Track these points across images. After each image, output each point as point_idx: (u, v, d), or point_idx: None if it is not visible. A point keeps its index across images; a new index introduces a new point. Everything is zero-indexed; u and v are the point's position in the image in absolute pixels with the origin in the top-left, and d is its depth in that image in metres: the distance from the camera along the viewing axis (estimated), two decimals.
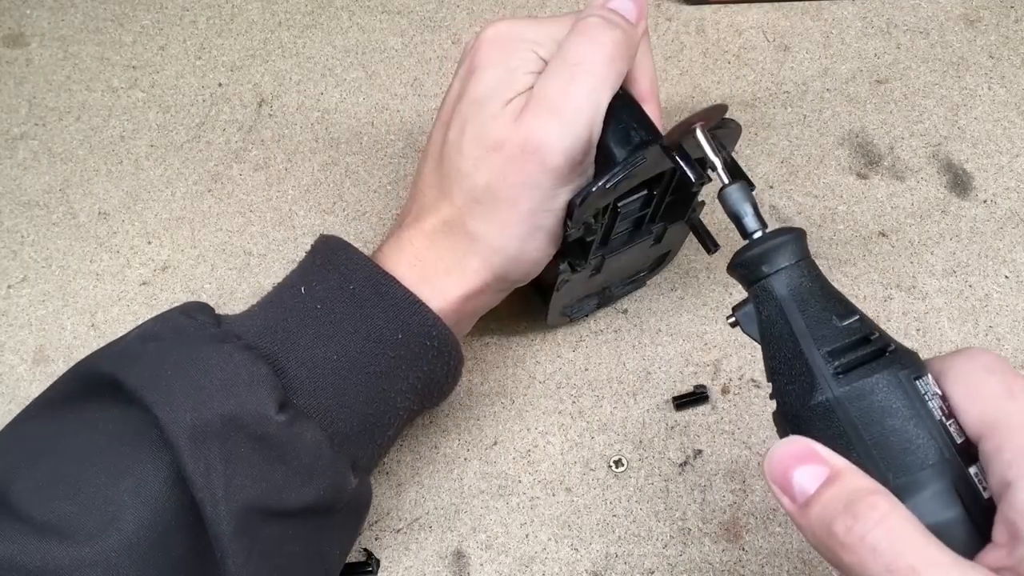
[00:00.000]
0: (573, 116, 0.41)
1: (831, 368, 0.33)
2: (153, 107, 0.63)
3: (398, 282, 0.42)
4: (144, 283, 0.57)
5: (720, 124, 0.43)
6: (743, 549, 0.48)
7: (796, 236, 0.35)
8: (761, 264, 0.35)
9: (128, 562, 0.36)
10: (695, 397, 0.52)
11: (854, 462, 0.32)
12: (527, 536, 0.49)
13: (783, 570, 0.48)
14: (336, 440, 0.41)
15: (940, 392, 0.33)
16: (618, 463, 0.50)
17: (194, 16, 0.66)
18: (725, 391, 0.52)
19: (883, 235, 0.57)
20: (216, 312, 0.44)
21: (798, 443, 0.32)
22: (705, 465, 0.50)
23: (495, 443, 0.51)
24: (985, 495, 0.32)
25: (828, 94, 0.62)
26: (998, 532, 0.30)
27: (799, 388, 0.34)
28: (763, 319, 0.36)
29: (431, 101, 0.63)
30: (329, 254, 0.44)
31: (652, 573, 0.48)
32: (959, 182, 0.59)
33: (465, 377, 0.53)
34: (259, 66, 0.64)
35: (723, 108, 0.41)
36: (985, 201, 0.58)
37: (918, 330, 0.54)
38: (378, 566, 0.48)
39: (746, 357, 0.53)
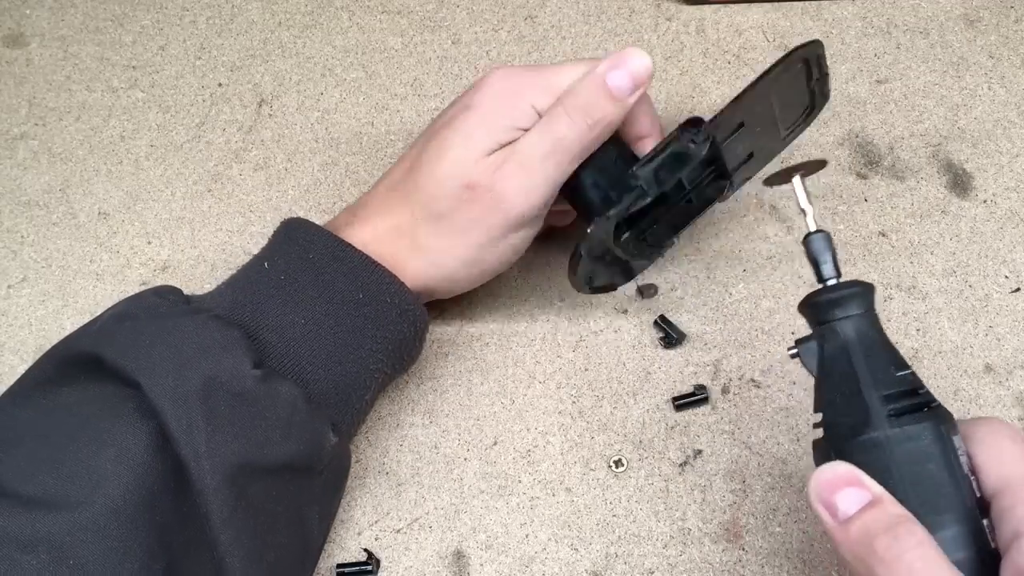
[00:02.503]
0: (542, 182, 0.47)
1: (885, 410, 0.37)
2: (153, 107, 0.63)
3: (354, 248, 0.46)
4: (144, 283, 0.57)
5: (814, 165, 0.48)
6: (743, 549, 0.48)
7: (868, 289, 0.40)
8: (834, 308, 0.39)
9: (116, 524, 0.37)
10: (695, 397, 0.52)
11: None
12: (527, 536, 0.49)
13: (783, 570, 0.48)
14: (312, 399, 0.43)
15: (966, 451, 0.37)
16: (618, 463, 0.50)
17: (194, 16, 0.66)
18: (725, 391, 0.52)
19: (883, 235, 0.57)
20: (184, 293, 0.46)
21: (844, 468, 0.36)
22: (705, 465, 0.50)
23: (495, 443, 0.52)
24: (992, 545, 0.35)
25: None
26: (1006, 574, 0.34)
27: (853, 422, 0.38)
28: (826, 356, 0.39)
29: (431, 101, 0.63)
30: (289, 232, 0.48)
31: (652, 573, 0.48)
32: (959, 182, 0.59)
33: (465, 377, 0.53)
34: (259, 66, 0.64)
35: (823, 163, 0.45)
36: (985, 201, 0.58)
37: (918, 330, 0.54)
38: (378, 566, 0.48)
39: (746, 357, 0.53)
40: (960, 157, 0.60)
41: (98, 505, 0.37)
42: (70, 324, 0.55)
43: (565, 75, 0.48)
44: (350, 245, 0.46)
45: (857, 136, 0.61)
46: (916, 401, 0.37)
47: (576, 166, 0.48)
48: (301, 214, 0.58)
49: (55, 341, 0.54)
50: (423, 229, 0.47)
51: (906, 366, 0.38)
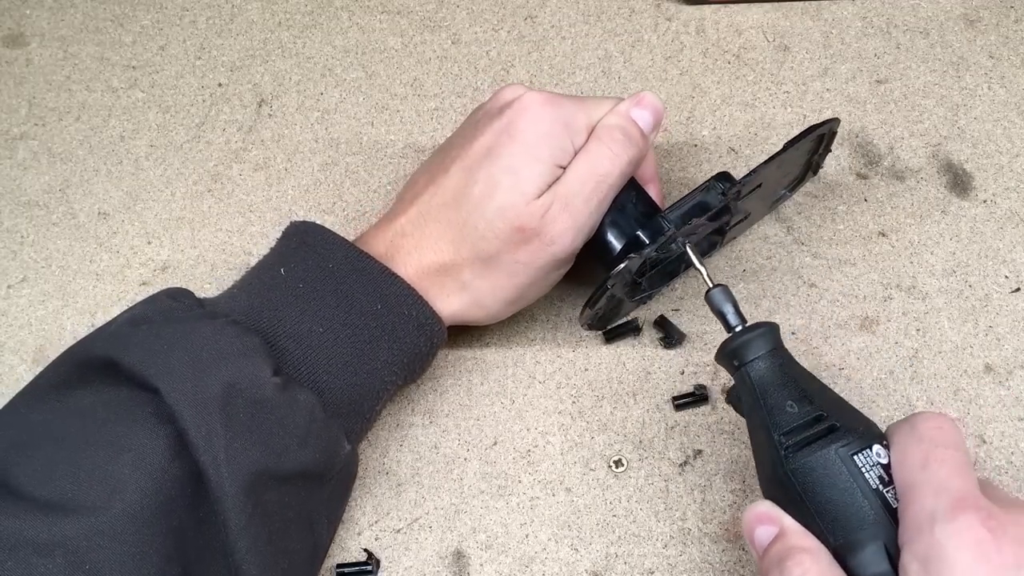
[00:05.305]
0: (587, 221, 0.48)
1: (783, 447, 0.39)
2: (153, 107, 0.63)
3: (373, 258, 0.46)
4: (144, 283, 0.57)
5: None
6: (743, 549, 0.48)
7: (767, 331, 0.42)
8: (735, 356, 0.42)
9: (132, 529, 0.37)
10: (695, 397, 0.52)
11: (806, 525, 0.38)
12: (527, 536, 0.49)
13: None
14: (328, 408, 0.43)
15: (886, 462, 0.38)
16: (618, 463, 0.50)
17: (194, 16, 0.66)
18: (725, 391, 0.52)
19: (883, 235, 0.57)
20: (197, 296, 0.46)
21: (761, 506, 0.39)
22: (705, 465, 0.50)
23: (495, 443, 0.52)
24: None
25: (828, 94, 0.62)
26: None
27: (765, 461, 0.41)
28: (744, 402, 0.42)
29: (431, 101, 0.63)
30: (303, 236, 0.47)
31: (652, 573, 0.48)
32: (959, 182, 0.59)
33: (465, 377, 0.53)
34: (259, 66, 0.64)
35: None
36: (985, 201, 0.58)
37: (918, 330, 0.54)
38: (378, 566, 0.48)
39: None
40: (960, 157, 0.60)
41: (115, 510, 0.37)
42: (70, 324, 0.55)
43: (599, 111, 0.49)
44: (369, 256, 0.46)
45: (857, 136, 0.61)
46: (816, 430, 0.39)
47: (611, 198, 0.49)
48: (301, 214, 0.58)
49: (55, 341, 0.54)
50: (469, 270, 0.47)
51: (806, 397, 0.40)
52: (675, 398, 0.52)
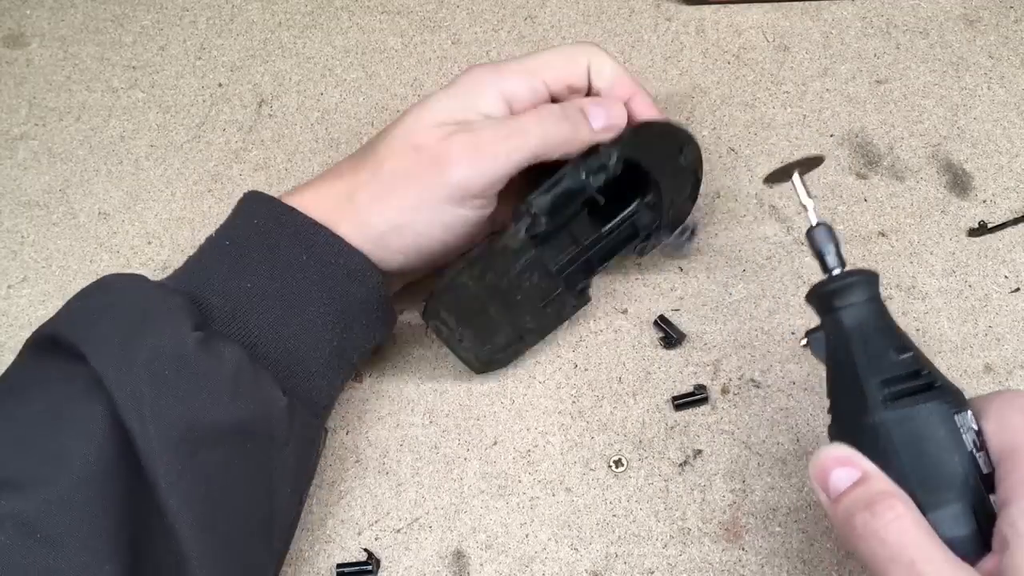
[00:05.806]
0: (490, 157, 0.46)
1: (882, 394, 0.38)
2: (153, 107, 0.63)
3: (297, 211, 0.46)
4: None
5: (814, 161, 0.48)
6: (743, 549, 0.48)
7: (868, 278, 0.41)
8: (835, 297, 0.41)
9: (82, 497, 0.38)
10: (695, 397, 0.52)
11: (889, 475, 0.37)
12: (527, 536, 0.49)
13: (783, 570, 0.48)
14: (261, 361, 0.44)
15: (976, 428, 0.38)
16: (618, 463, 0.50)
17: (194, 16, 0.66)
18: (725, 391, 0.52)
19: (883, 235, 0.57)
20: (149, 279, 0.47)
21: (840, 448, 0.38)
22: (705, 465, 0.50)
23: (495, 443, 0.52)
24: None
25: (828, 94, 0.62)
26: (995, 542, 0.35)
27: (853, 408, 0.39)
28: (830, 345, 0.41)
29: None
30: (242, 204, 0.48)
31: (652, 573, 0.48)
32: (959, 182, 0.59)
33: (465, 377, 0.53)
34: (259, 66, 0.64)
35: (821, 159, 0.46)
36: (985, 201, 0.58)
37: (918, 330, 0.54)
38: (378, 566, 0.48)
39: (745, 357, 0.53)
40: (960, 157, 0.60)
41: (64, 481, 0.38)
42: None
43: (539, 59, 0.49)
44: (293, 209, 0.47)
45: (857, 136, 0.61)
46: (916, 383, 0.38)
47: (529, 160, 0.47)
48: None
49: None
50: (364, 188, 0.47)
51: (907, 349, 0.39)
52: (675, 398, 0.52)
